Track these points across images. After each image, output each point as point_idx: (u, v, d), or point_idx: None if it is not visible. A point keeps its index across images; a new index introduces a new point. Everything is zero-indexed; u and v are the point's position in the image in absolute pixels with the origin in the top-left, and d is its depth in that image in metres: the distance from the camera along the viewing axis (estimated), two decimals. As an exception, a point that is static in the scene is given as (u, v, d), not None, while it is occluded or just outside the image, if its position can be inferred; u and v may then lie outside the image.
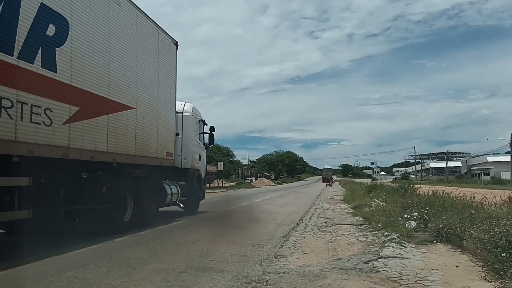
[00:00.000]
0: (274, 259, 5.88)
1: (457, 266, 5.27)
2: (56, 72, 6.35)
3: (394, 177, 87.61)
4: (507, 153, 58.35)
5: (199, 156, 13.20)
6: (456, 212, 8.10)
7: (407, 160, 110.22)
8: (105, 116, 7.71)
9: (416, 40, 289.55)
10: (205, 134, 13.76)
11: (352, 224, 9.98)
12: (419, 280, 4.62)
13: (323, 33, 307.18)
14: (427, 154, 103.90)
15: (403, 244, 6.66)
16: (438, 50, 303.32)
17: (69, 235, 7.66)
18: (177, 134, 11.53)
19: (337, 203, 18.35)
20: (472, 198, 10.22)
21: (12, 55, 5.49)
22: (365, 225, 9.54)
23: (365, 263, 5.52)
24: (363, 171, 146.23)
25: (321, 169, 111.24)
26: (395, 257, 5.79)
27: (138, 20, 9.02)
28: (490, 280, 4.45)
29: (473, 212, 7.54)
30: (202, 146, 13.65)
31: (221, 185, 42.51)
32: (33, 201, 5.98)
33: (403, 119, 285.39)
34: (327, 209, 14.80)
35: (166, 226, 9.36)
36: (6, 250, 6.46)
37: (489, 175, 65.63)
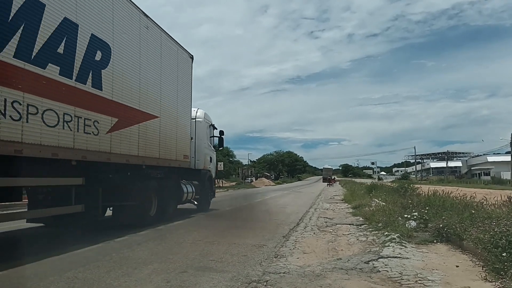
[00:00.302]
0: (274, 259, 5.88)
1: (457, 266, 5.27)
2: (102, 90, 7.58)
3: (395, 177, 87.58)
4: (507, 153, 58.37)
5: (210, 158, 14.40)
6: (456, 212, 8.10)
7: (407, 160, 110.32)
8: (136, 125, 8.90)
9: (416, 40, 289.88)
10: (215, 138, 14.85)
11: (352, 224, 9.98)
12: (420, 280, 4.62)
13: (323, 33, 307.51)
14: (427, 154, 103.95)
15: (403, 244, 6.65)
16: (438, 50, 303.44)
17: (70, 235, 7.68)
18: (191, 138, 12.44)
19: (337, 203, 18.34)
20: (472, 198, 10.22)
21: (71, 79, 6.72)
22: (365, 225, 9.54)
23: (365, 263, 5.52)
24: (363, 171, 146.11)
25: (321, 169, 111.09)
26: (396, 257, 5.79)
27: (162, 40, 10.19)
28: (490, 280, 4.45)
29: (473, 212, 7.53)
30: (212, 148, 14.84)
31: (221, 185, 42.57)
32: (84, 198, 7.33)
33: (403, 119, 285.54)
34: (327, 209, 14.79)
35: (166, 226, 9.36)
36: (10, 250, 6.47)
37: (489, 175, 65.58)
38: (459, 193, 11.64)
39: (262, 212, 13.88)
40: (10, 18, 5.49)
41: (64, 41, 6.51)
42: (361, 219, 10.88)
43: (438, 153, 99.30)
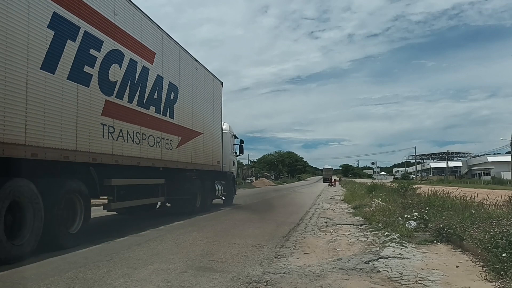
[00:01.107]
0: (274, 259, 5.88)
1: (457, 266, 5.27)
2: (173, 118, 10.83)
3: (393, 177, 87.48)
4: (507, 153, 58.35)
5: (233, 162, 17.64)
6: (457, 212, 8.10)
7: (408, 160, 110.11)
8: (191, 140, 12.02)
9: (416, 40, 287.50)
10: (236, 145, 17.74)
11: (353, 224, 9.99)
12: (420, 280, 4.62)
13: (324, 33, 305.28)
14: (428, 154, 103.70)
15: (403, 244, 6.66)
16: (438, 50, 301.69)
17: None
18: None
19: (337, 203, 18.36)
20: (473, 198, 10.21)
21: (159, 114, 10.03)
22: (366, 225, 9.55)
23: (365, 263, 5.52)
24: (364, 171, 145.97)
25: (321, 169, 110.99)
26: (396, 257, 5.80)
27: (205, 75, 13.40)
28: (490, 280, 4.45)
29: (473, 212, 7.54)
30: (235, 154, 17.97)
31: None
32: (165, 192, 10.71)
33: (404, 119, 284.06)
34: (327, 209, 14.81)
35: (166, 226, 9.37)
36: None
37: (489, 175, 65.54)
38: (459, 193, 11.63)
39: (262, 212, 13.88)
40: (135, 81, 8.81)
41: (157, 89, 9.82)
42: (361, 219, 10.89)
43: (438, 153, 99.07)
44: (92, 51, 7.14)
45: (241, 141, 18.11)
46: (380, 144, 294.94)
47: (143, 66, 9.09)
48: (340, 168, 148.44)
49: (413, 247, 6.55)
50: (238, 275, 4.88)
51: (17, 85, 5.47)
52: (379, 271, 5.07)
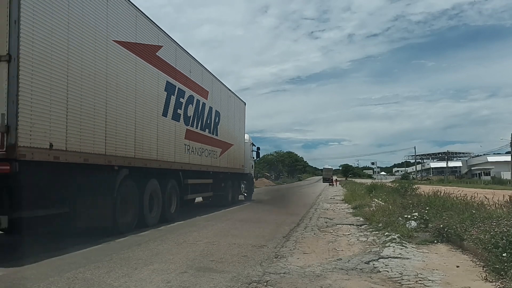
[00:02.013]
0: (274, 259, 5.88)
1: (457, 266, 5.27)
2: (217, 135, 14.67)
3: (395, 177, 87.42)
4: (507, 153, 58.28)
5: (251, 165, 21.43)
6: (457, 212, 8.09)
7: (408, 160, 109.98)
8: (227, 150, 15.84)
9: (416, 40, 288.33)
10: (253, 152, 21.52)
11: (353, 224, 9.98)
12: (420, 280, 4.62)
13: (324, 34, 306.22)
14: (428, 154, 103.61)
15: (403, 244, 6.65)
16: (438, 50, 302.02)
17: (69, 235, 7.69)
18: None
19: (337, 203, 18.35)
20: (473, 198, 10.18)
21: (210, 133, 13.84)
22: (366, 225, 9.54)
23: (365, 263, 5.52)
24: (364, 171, 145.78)
25: (321, 169, 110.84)
26: (396, 257, 5.79)
27: (235, 100, 17.30)
28: (491, 280, 4.45)
29: (473, 212, 7.53)
30: (253, 159, 21.75)
31: (221, 185, 42.45)
32: (212, 189, 14.47)
33: (404, 119, 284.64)
34: (327, 209, 14.80)
35: (166, 227, 9.37)
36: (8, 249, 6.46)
37: (489, 175, 65.47)
38: (459, 193, 11.60)
39: (261, 212, 13.88)
40: (199, 113, 12.72)
41: (209, 117, 13.70)
42: (361, 219, 10.88)
43: (438, 153, 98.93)
44: (180, 99, 11.20)
45: (258, 148, 22.27)
46: (380, 144, 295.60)
47: (203, 102, 13.03)
48: (340, 168, 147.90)
49: (413, 247, 6.54)
50: (238, 275, 4.88)
51: (153, 126, 9.56)
52: (379, 271, 5.07)
